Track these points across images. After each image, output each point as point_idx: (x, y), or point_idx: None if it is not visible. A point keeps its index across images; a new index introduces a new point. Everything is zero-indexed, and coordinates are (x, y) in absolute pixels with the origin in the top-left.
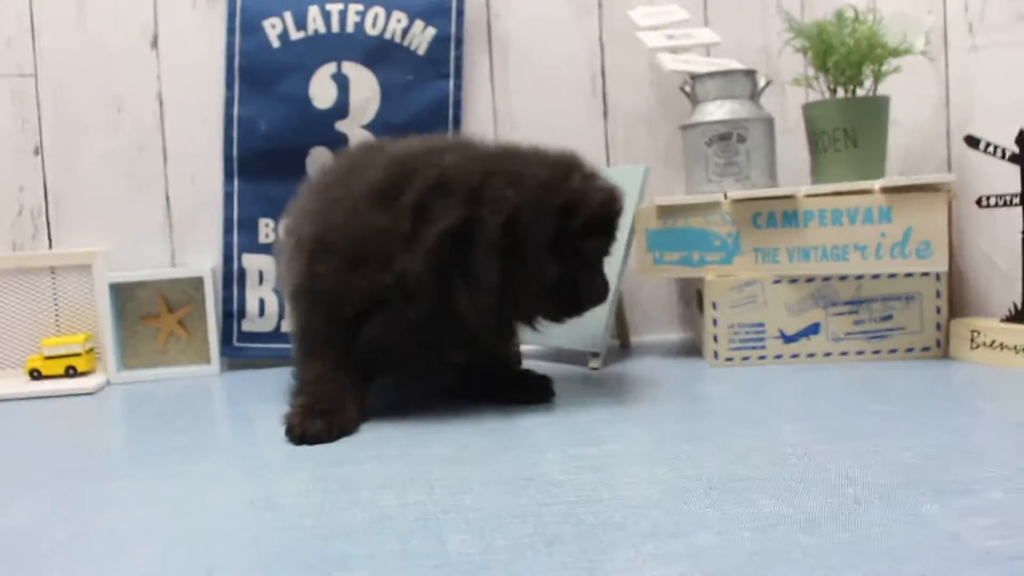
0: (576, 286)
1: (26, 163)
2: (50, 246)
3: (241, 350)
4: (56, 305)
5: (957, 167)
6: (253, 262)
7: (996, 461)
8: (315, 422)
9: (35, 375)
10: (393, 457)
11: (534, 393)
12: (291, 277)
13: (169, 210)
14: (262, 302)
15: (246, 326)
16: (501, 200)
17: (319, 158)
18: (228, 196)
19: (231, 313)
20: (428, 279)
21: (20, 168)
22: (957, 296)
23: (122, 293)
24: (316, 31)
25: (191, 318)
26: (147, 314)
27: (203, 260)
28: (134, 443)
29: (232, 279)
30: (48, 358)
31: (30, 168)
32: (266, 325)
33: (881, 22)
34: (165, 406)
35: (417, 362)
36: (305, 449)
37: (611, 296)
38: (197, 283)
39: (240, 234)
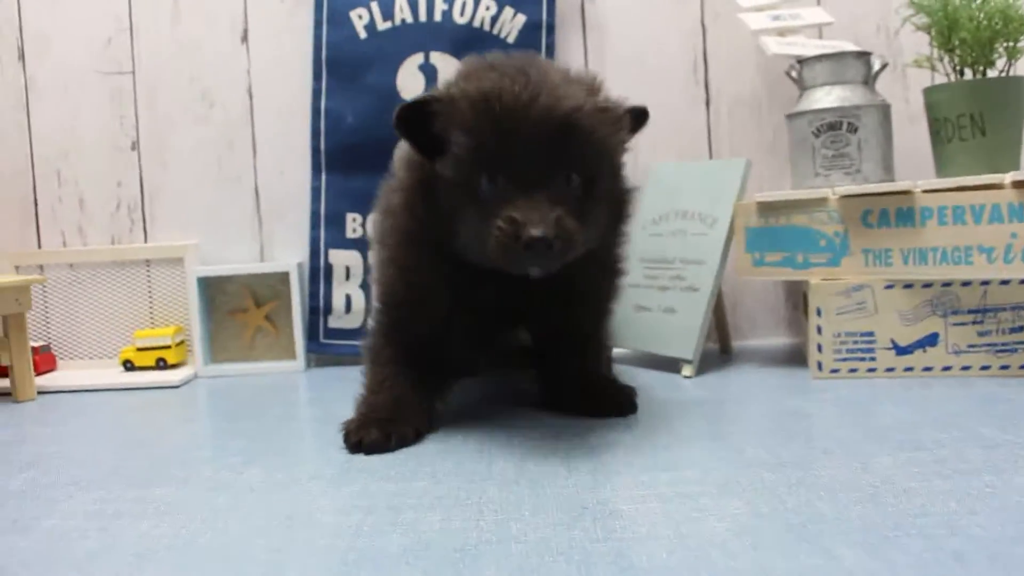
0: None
1: (124, 159)
2: (145, 240)
3: (327, 346)
4: (151, 298)
5: None
6: (340, 258)
7: None
8: (371, 431)
9: (128, 366)
10: (450, 473)
11: (614, 406)
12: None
13: (258, 204)
14: (348, 298)
15: (332, 322)
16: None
17: (407, 151)
18: (315, 191)
19: (317, 309)
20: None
21: (118, 164)
22: None
23: (211, 287)
24: (403, 20)
25: (278, 313)
26: (235, 308)
27: (291, 255)
28: (198, 444)
29: (319, 275)
30: (140, 350)
31: (127, 163)
32: (353, 321)
33: None
34: (242, 403)
35: (471, 348)
36: (362, 460)
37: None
38: (284, 278)
39: (327, 229)
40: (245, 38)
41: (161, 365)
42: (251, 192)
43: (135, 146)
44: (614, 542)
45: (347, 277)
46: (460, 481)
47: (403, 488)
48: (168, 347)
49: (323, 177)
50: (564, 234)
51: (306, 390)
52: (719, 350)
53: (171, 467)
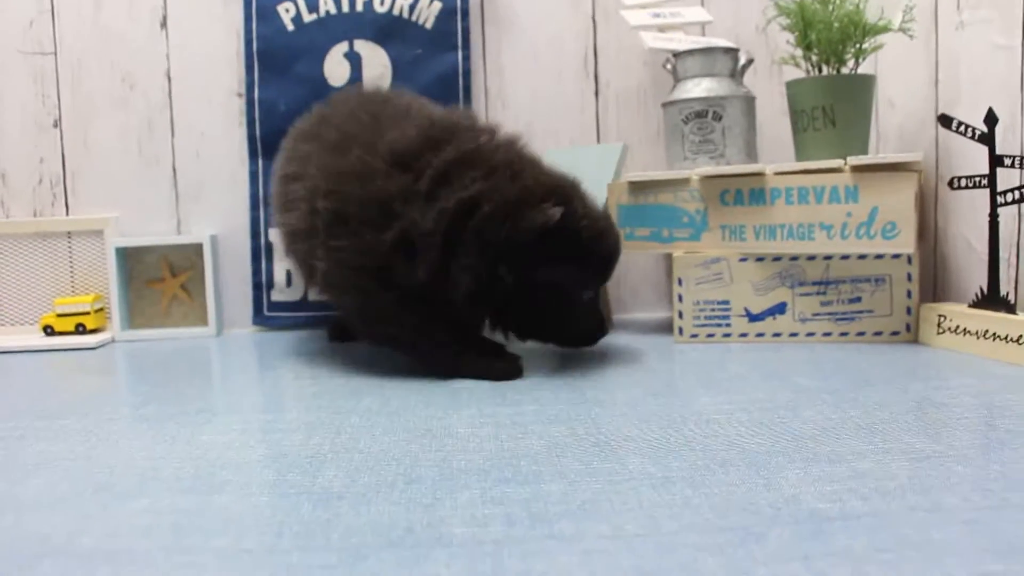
0: (541, 312)
1: (46, 136)
2: (67, 213)
3: (271, 319)
4: (72, 267)
5: (944, 147)
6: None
7: (886, 436)
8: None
9: (48, 331)
10: (322, 407)
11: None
12: (314, 251)
13: (176, 182)
14: (289, 273)
15: (275, 296)
16: (498, 190)
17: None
18: (253, 175)
19: (260, 284)
20: (440, 236)
21: (41, 140)
22: (940, 280)
23: (131, 257)
24: (328, 12)
25: (193, 283)
26: (152, 278)
27: (205, 228)
28: (105, 390)
29: (260, 252)
30: (60, 316)
31: (50, 141)
32: (293, 295)
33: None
34: (153, 361)
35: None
36: (246, 397)
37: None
38: (198, 250)
39: (265, 210)
40: (164, 24)
41: (80, 330)
42: (169, 171)
43: (57, 124)
44: (443, 452)
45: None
46: (329, 413)
47: (277, 418)
48: (87, 313)
49: (259, 162)
50: None
51: (215, 352)
52: None
53: (77, 406)
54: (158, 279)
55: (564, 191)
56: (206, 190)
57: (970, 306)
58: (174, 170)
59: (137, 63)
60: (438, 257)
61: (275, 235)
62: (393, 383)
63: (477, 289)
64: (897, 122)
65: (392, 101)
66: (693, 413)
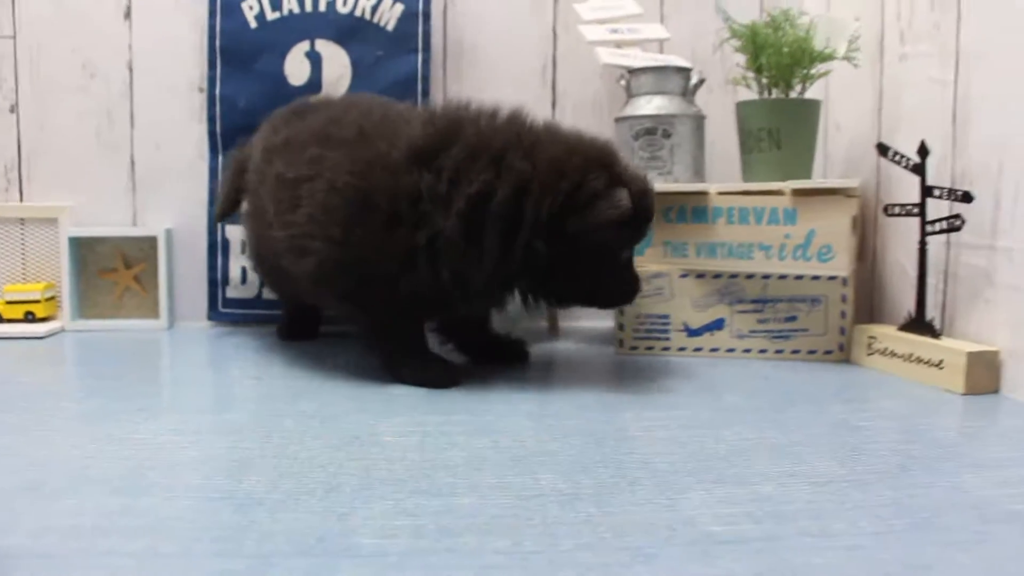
0: (581, 277)
1: (2, 121)
2: (21, 199)
3: (225, 314)
4: (24, 254)
5: (885, 173)
6: (236, 232)
7: (796, 459)
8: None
9: None
10: (260, 411)
11: (513, 355)
12: (327, 232)
13: (133, 173)
14: (244, 270)
15: (230, 292)
16: (513, 170)
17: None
18: (213, 170)
19: (216, 280)
20: (461, 240)
21: None
22: (876, 302)
23: (84, 247)
24: (291, 11)
25: (147, 275)
26: (105, 268)
27: (161, 221)
28: (49, 382)
29: (216, 248)
30: (8, 303)
31: (6, 126)
32: (248, 292)
33: (814, 26)
34: (101, 353)
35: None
36: (189, 396)
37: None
38: (153, 242)
39: None
40: (128, 15)
41: (29, 318)
42: (127, 162)
43: (14, 109)
44: (367, 460)
45: (243, 251)
46: (265, 415)
47: (213, 419)
48: (37, 301)
49: (219, 158)
50: None
51: (165, 346)
52: (547, 329)
53: (19, 399)
54: (111, 269)
55: (604, 158)
56: (164, 183)
57: (899, 329)
58: (132, 161)
59: (99, 52)
60: (460, 258)
61: (232, 232)
62: (333, 386)
63: (497, 272)
64: (844, 146)
65: (393, 104)
66: (616, 429)
